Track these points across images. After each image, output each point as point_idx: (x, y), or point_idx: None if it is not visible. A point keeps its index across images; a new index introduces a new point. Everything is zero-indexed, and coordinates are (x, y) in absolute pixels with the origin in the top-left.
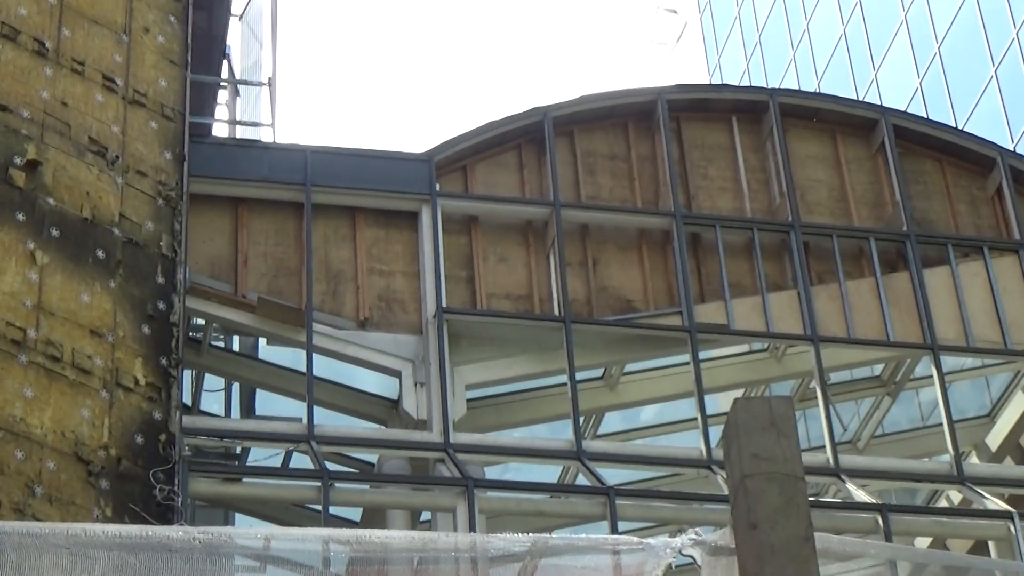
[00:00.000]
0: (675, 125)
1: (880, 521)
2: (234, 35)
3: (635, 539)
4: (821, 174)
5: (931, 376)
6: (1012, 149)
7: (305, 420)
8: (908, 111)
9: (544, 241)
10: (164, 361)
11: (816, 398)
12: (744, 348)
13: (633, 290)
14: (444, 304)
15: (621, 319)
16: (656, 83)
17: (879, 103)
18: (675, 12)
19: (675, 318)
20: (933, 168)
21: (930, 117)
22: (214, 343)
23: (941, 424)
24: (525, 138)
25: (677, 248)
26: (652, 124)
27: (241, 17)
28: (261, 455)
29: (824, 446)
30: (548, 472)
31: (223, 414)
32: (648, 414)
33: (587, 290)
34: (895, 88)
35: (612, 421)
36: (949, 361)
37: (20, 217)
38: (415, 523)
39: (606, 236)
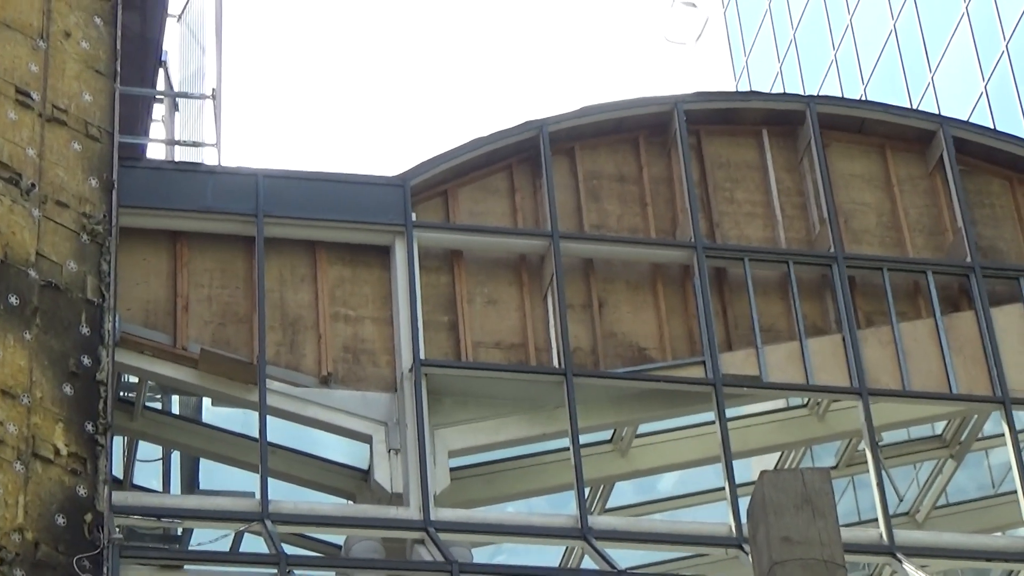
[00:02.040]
0: (695, 140)
1: None
2: (172, 39)
3: None
4: (868, 196)
5: (1002, 435)
6: None
7: (258, 495)
8: (971, 121)
9: (541, 279)
10: (90, 427)
11: (866, 462)
12: (780, 404)
13: (647, 336)
14: (422, 355)
15: (633, 371)
16: (672, 90)
17: (936, 112)
18: (694, 5)
19: (697, 369)
20: (1001, 188)
21: (997, 128)
22: (149, 405)
23: (1015, 491)
24: (517, 157)
25: (699, 286)
26: (668, 139)
27: (180, 18)
28: (207, 537)
29: (876, 519)
30: (549, 554)
31: (161, 489)
32: (666, 484)
33: (592, 337)
34: (955, 94)
35: (624, 492)
36: (1023, 416)
37: None
38: None
39: (614, 273)
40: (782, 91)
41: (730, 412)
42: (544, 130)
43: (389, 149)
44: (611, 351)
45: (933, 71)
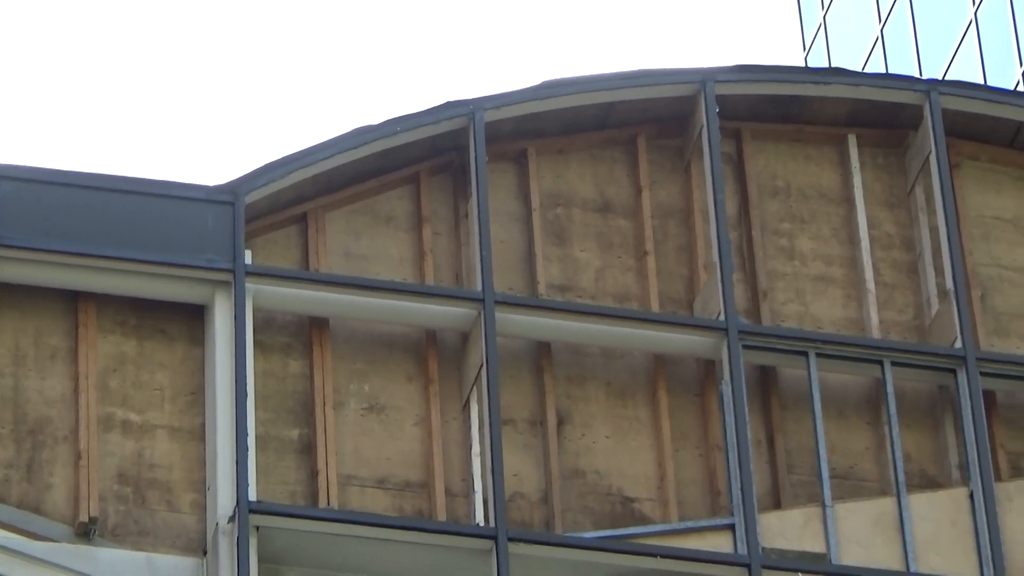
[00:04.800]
0: (733, 147)
1: None
2: None
3: None
4: None
5: None
6: None
7: None
8: None
9: (460, 375)
10: None
11: None
12: None
13: (638, 480)
14: (253, 496)
15: (614, 537)
16: (697, 60)
17: None
18: None
19: (723, 538)
20: None
21: None
22: None
23: None
24: (430, 164)
25: (728, 397)
26: (687, 143)
27: None
28: None
29: None
30: None
31: None
32: None
33: (544, 477)
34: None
35: None
36: None
37: None
38: None
39: (587, 368)
40: (883, 70)
41: None
42: (477, 118)
43: (213, 148)
44: (576, 502)
45: None
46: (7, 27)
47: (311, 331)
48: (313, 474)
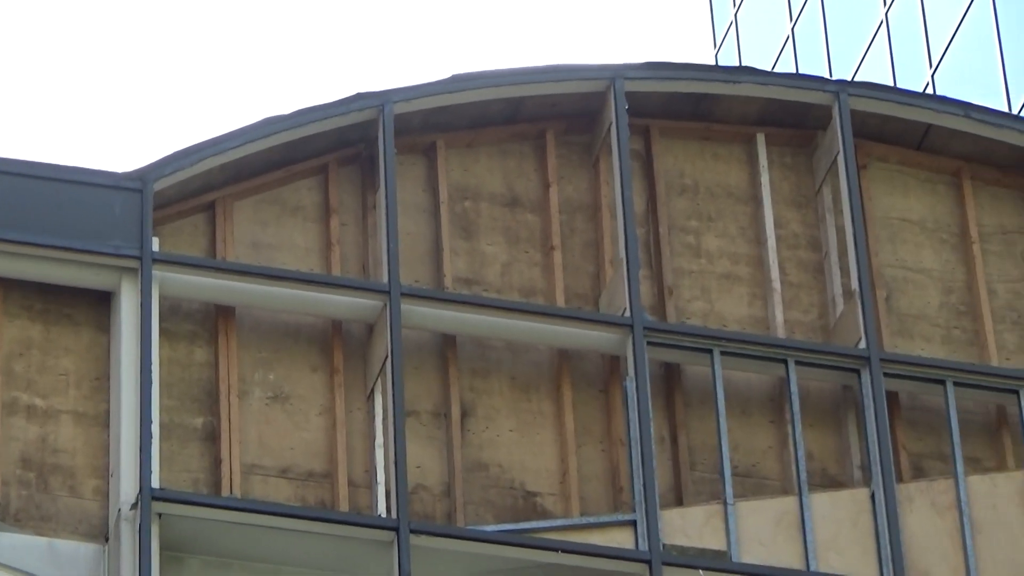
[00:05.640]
0: (642, 144)
1: None
2: None
3: None
4: (930, 258)
5: None
6: None
7: None
8: None
9: (366, 366)
10: None
11: None
12: None
13: (540, 474)
14: (156, 483)
15: (515, 531)
16: (608, 56)
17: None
18: None
19: (624, 534)
20: None
21: None
22: None
23: None
24: (338, 155)
25: (632, 392)
26: (596, 138)
27: None
28: None
29: None
30: None
31: None
32: None
33: (447, 469)
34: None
35: None
36: None
37: None
38: None
39: (492, 361)
40: (794, 69)
41: None
42: (386, 110)
43: (120, 133)
44: (478, 495)
45: None
46: None
47: (217, 319)
48: (216, 462)
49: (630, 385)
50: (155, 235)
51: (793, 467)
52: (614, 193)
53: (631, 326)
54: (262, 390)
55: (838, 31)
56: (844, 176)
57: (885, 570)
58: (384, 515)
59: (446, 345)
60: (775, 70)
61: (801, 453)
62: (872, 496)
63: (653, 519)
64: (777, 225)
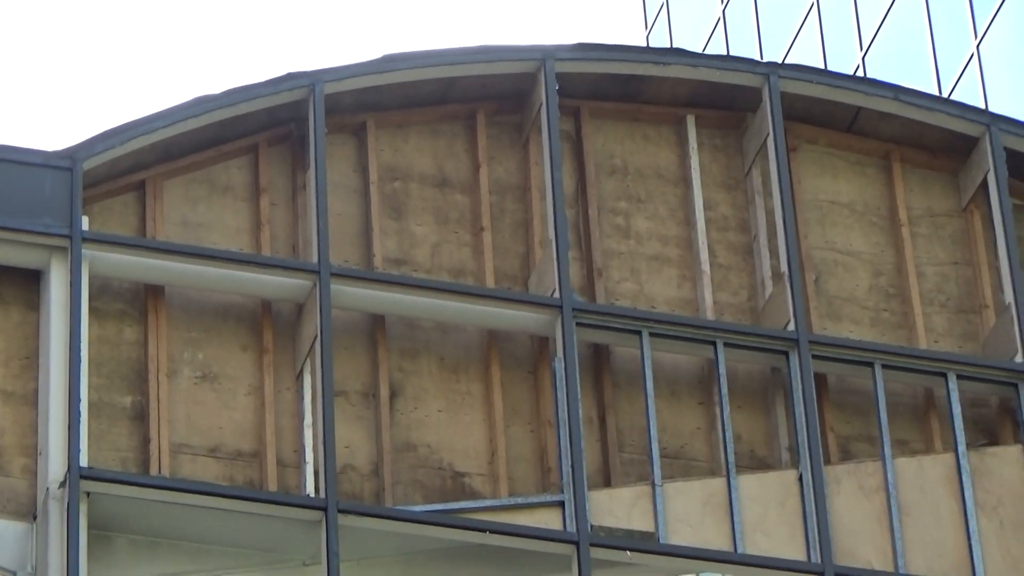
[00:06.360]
0: (572, 125)
1: None
2: None
3: None
4: (859, 241)
5: None
6: None
7: None
8: None
9: (295, 345)
10: None
11: None
12: None
13: (468, 454)
14: (84, 461)
15: (442, 511)
16: (539, 37)
17: (983, 105)
18: None
19: (551, 515)
20: None
21: None
22: None
23: None
24: (269, 135)
25: (560, 372)
26: (526, 119)
27: None
28: None
29: None
30: None
31: None
32: None
33: (376, 450)
34: (1008, 74)
35: None
36: None
37: None
38: None
39: (421, 341)
40: (725, 52)
41: None
42: (317, 90)
43: (50, 110)
44: (407, 475)
45: (979, 38)
46: None
47: (147, 298)
48: (145, 441)
49: (559, 366)
50: (85, 214)
51: (721, 449)
52: (544, 174)
53: (560, 307)
54: (191, 369)
55: (769, 14)
56: (774, 158)
57: (812, 552)
58: (312, 495)
59: (375, 325)
60: (706, 52)
61: (729, 435)
62: (800, 478)
63: (581, 500)
64: (707, 207)
